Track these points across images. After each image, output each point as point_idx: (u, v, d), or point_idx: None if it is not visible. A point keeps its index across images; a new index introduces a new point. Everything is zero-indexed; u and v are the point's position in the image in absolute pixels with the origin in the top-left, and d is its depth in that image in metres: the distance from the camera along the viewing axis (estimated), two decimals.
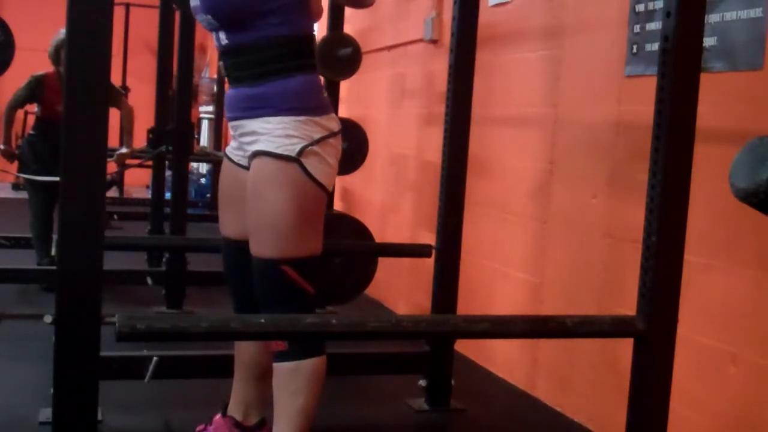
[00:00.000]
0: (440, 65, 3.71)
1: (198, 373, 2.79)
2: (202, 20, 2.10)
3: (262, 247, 2.04)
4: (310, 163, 2.00)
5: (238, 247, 2.16)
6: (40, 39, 5.37)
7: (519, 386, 3.31)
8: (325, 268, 3.80)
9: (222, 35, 2.08)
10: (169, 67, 5.01)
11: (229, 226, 2.26)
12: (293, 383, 2.05)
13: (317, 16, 2.15)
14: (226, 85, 2.72)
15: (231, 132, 2.20)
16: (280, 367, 2.06)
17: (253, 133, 2.05)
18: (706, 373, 2.38)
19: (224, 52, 2.12)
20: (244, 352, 2.31)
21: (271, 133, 2.00)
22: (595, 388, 2.86)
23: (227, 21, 2.05)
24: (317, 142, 2.02)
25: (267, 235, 2.02)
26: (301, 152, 1.99)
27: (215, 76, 9.23)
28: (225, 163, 2.25)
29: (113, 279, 4.09)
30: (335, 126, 2.09)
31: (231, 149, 2.22)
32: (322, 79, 2.14)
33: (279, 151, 1.99)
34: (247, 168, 2.09)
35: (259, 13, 2.00)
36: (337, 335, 2.04)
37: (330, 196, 2.32)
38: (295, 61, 2.04)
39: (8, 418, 2.66)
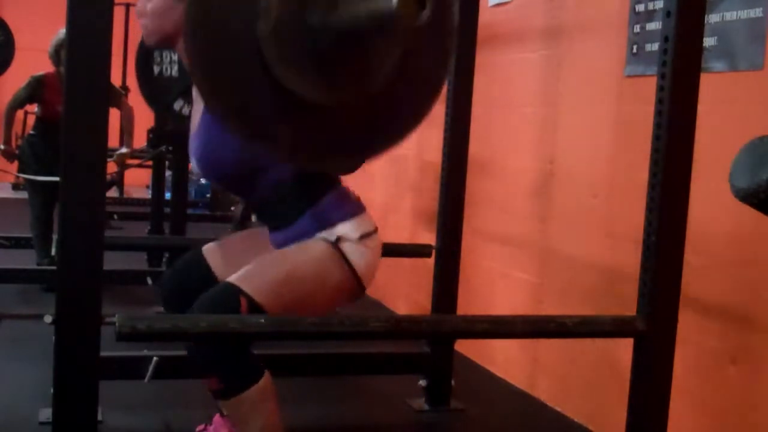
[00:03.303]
0: None
1: (198, 373, 2.79)
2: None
3: (239, 277, 1.94)
4: (346, 247, 1.98)
5: (206, 273, 2.13)
6: (40, 39, 5.38)
7: (519, 386, 3.31)
8: None
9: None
10: None
11: (217, 260, 2.18)
12: (241, 413, 1.97)
13: None
14: None
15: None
16: (222, 403, 2.00)
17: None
18: (706, 373, 2.38)
19: (252, 209, 2.16)
20: None
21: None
22: (595, 388, 2.86)
23: (227, 184, 2.09)
24: (356, 240, 2.00)
25: (257, 274, 1.95)
26: (338, 240, 1.99)
27: None
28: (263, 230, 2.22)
29: (113, 279, 4.09)
30: (371, 226, 2.06)
31: None
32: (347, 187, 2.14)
33: (318, 236, 2.00)
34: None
35: (261, 168, 2.00)
36: (337, 335, 2.04)
37: None
38: (313, 192, 2.03)
39: (8, 418, 2.66)
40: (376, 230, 2.07)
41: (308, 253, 1.98)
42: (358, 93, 1.54)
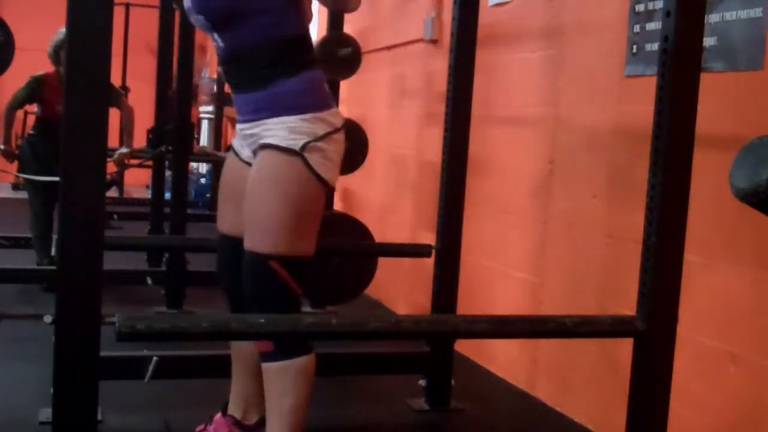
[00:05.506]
0: (440, 65, 3.70)
1: (198, 373, 2.80)
2: (195, 21, 2.12)
3: (254, 241, 2.03)
4: (313, 158, 2.02)
5: (233, 244, 2.16)
6: (40, 39, 5.37)
7: (519, 386, 3.31)
8: (325, 268, 3.80)
9: (217, 37, 2.10)
10: (169, 67, 5.01)
11: (226, 220, 2.26)
12: (281, 383, 2.04)
13: (308, 19, 2.16)
14: (227, 86, 2.73)
15: (237, 132, 2.21)
16: (267, 367, 2.06)
17: (257, 135, 2.07)
18: (706, 373, 2.38)
19: (222, 59, 2.14)
20: (241, 347, 2.30)
21: (276, 131, 2.02)
22: (595, 388, 2.86)
23: (219, 22, 2.06)
24: (321, 138, 2.03)
25: (261, 228, 2.03)
26: (304, 147, 2.01)
27: (215, 76, 9.23)
28: (230, 156, 2.26)
29: (113, 279, 4.09)
30: (338, 121, 2.10)
31: (237, 144, 2.23)
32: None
33: (283, 144, 2.00)
34: (250, 165, 2.11)
35: (251, 13, 2.01)
36: (337, 335, 2.04)
37: (330, 196, 2.33)
38: (292, 62, 2.05)
39: (8, 418, 2.66)
40: (343, 126, 2.11)
41: (285, 182, 2.02)
42: None
